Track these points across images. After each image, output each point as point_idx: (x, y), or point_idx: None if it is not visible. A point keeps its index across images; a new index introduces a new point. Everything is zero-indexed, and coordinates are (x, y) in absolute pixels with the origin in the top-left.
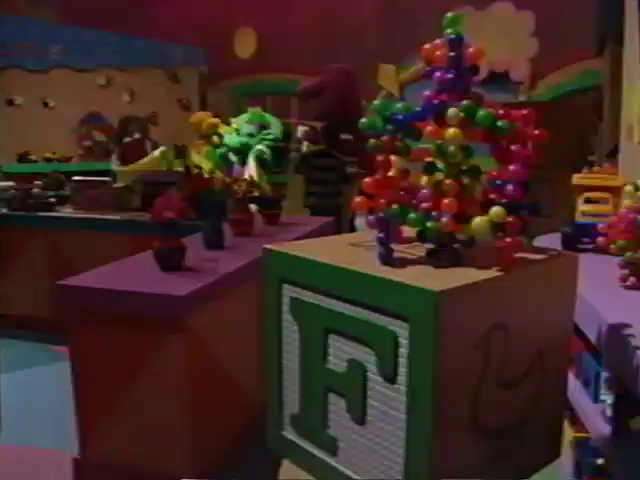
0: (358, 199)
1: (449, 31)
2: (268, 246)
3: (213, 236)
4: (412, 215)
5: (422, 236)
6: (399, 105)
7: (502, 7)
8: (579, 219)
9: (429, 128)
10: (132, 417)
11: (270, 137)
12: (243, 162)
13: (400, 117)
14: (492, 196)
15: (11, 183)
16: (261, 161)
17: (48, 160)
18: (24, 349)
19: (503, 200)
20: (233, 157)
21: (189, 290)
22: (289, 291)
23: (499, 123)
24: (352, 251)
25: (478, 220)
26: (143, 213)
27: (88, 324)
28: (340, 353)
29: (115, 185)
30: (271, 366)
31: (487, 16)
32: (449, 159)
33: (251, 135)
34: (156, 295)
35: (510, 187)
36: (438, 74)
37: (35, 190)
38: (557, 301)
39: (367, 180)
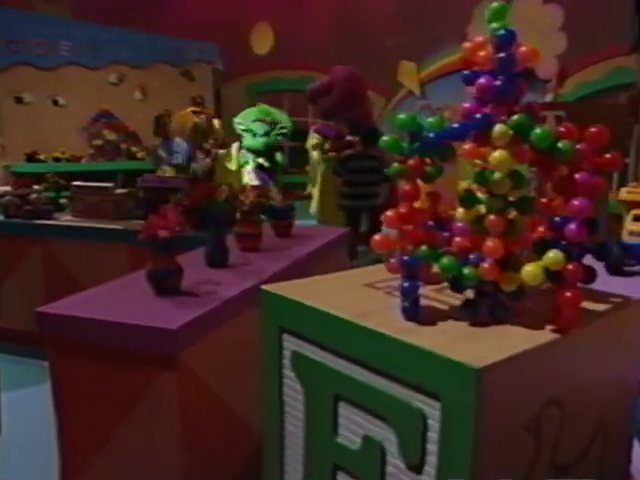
0: (377, 237)
1: (495, 26)
2: (266, 287)
3: (216, 253)
4: (445, 260)
5: (457, 284)
6: (431, 120)
7: (528, 0)
8: (627, 239)
9: (466, 147)
10: (118, 457)
11: (285, 131)
12: (270, 161)
13: (432, 135)
14: (542, 228)
15: (7, 188)
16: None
17: (57, 160)
18: (15, 365)
19: (562, 241)
20: (261, 160)
21: (182, 322)
22: (290, 343)
23: (560, 144)
24: (368, 295)
25: (530, 268)
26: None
27: (71, 356)
28: (353, 426)
29: (118, 192)
30: (271, 431)
31: (512, 9)
32: (493, 189)
33: (267, 134)
34: (144, 328)
35: (573, 226)
36: (482, 80)
37: (33, 196)
38: (623, 357)
39: (389, 214)
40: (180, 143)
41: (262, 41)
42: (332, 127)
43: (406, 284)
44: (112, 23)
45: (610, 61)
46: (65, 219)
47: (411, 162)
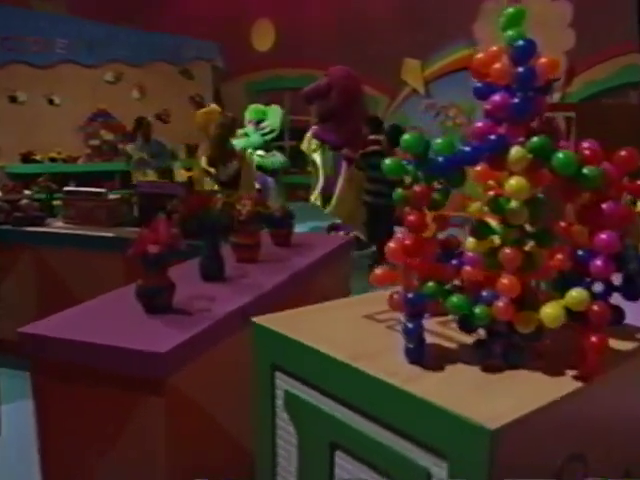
0: (378, 271)
1: (512, 34)
2: (257, 320)
3: (211, 265)
4: (455, 299)
5: (467, 324)
6: (440, 141)
7: None
8: None
9: (478, 169)
10: None
11: (267, 131)
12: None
13: (441, 160)
14: (561, 256)
15: None
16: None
17: (53, 160)
18: (4, 378)
19: (586, 278)
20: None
21: (171, 345)
22: (283, 382)
23: (586, 171)
24: (368, 330)
25: (549, 310)
26: (139, 229)
27: (54, 377)
28: (351, 478)
29: (111, 197)
30: (263, 474)
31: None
32: (509, 219)
33: (246, 135)
34: (130, 351)
35: (599, 262)
36: (497, 97)
37: (24, 201)
38: None
39: (392, 246)
40: (158, 145)
41: (263, 38)
42: (331, 131)
43: (410, 325)
44: (109, 20)
45: (619, 59)
46: (57, 226)
47: (417, 189)
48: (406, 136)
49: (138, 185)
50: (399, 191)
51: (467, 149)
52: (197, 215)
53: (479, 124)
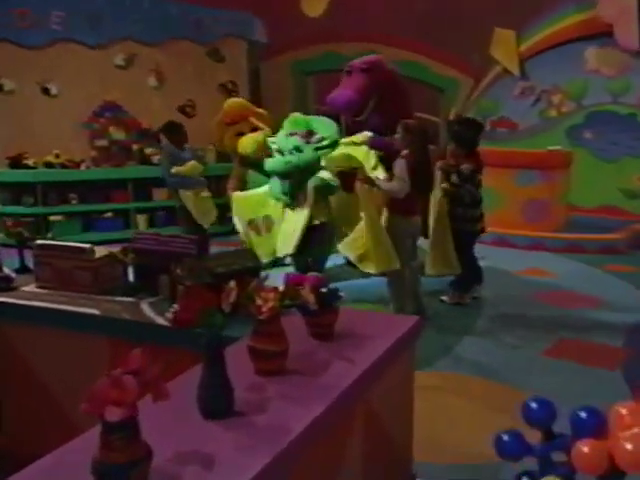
0: None
1: None
2: None
3: (212, 396)
4: None
5: None
6: None
7: None
8: None
9: None
10: None
11: (324, 143)
12: (299, 186)
13: None
14: None
15: None
16: (324, 189)
17: (49, 166)
18: None
19: None
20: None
21: None
22: None
23: None
24: None
25: None
26: (136, 300)
27: None
28: None
29: (98, 255)
30: None
31: None
32: None
33: (299, 149)
34: None
35: None
36: None
37: None
38: None
39: None
40: (193, 154)
41: (313, 4)
42: (384, 139)
43: None
44: None
45: None
46: (27, 291)
47: None
48: None
49: (135, 238)
50: None
51: None
52: (194, 322)
53: None
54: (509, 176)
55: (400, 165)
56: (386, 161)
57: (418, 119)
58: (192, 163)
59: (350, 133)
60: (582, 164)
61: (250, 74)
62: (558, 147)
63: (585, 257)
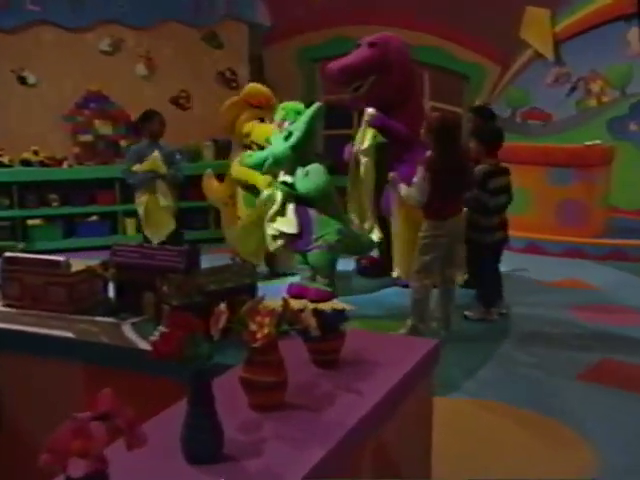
0: None
1: None
2: None
3: (199, 439)
4: None
5: None
6: None
7: None
8: None
9: None
10: None
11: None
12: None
13: None
14: None
15: None
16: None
17: (27, 164)
18: None
19: None
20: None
21: None
22: None
23: None
24: None
25: None
26: (116, 321)
27: None
28: None
29: (75, 270)
30: None
31: None
32: None
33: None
34: None
35: None
36: None
37: None
38: None
39: None
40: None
41: None
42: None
43: None
44: None
45: None
46: None
47: None
48: None
49: (116, 251)
50: None
51: None
52: (175, 355)
53: None
54: (541, 174)
55: (419, 172)
56: (391, 144)
57: (440, 113)
58: (153, 156)
59: (349, 109)
60: (625, 160)
61: (252, 61)
62: (597, 142)
63: (629, 265)
